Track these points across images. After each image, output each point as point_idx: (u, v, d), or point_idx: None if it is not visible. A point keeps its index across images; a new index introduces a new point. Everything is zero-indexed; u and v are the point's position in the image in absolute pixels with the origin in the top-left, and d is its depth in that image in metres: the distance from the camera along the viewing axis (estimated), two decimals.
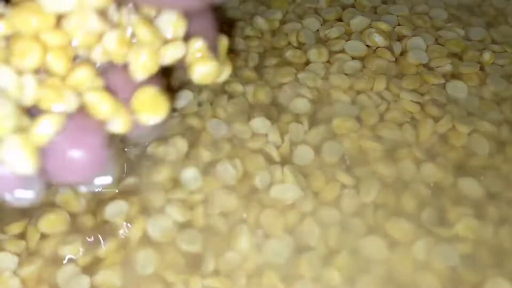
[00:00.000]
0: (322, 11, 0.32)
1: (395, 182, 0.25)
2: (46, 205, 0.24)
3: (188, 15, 0.20)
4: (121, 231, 0.24)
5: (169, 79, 0.27)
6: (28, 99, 0.18)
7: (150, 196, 0.24)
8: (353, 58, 0.30)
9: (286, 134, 0.26)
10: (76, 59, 0.19)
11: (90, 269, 0.23)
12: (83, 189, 0.24)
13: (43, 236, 0.24)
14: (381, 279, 0.23)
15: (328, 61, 0.29)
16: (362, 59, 0.29)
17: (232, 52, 0.29)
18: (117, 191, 0.24)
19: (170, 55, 0.20)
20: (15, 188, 0.18)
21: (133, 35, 0.19)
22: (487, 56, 0.30)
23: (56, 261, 0.23)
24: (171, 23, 0.20)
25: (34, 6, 0.18)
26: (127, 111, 0.20)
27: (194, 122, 0.27)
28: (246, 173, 0.25)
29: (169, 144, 0.26)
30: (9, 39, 0.18)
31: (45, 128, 0.18)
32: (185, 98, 0.27)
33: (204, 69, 0.21)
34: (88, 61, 0.19)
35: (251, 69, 0.29)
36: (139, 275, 0.23)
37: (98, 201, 0.24)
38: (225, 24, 0.30)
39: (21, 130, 0.18)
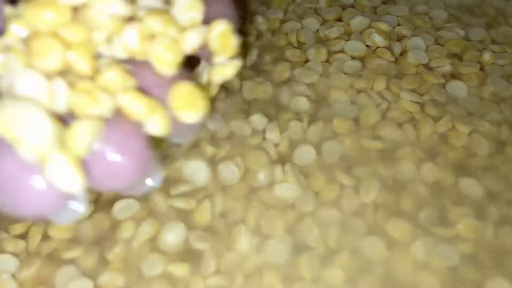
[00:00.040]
0: (322, 11, 0.32)
1: (395, 182, 0.25)
2: None
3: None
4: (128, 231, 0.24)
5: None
6: (61, 106, 0.17)
7: (155, 198, 0.24)
8: (353, 58, 0.30)
9: (285, 133, 0.26)
10: (99, 58, 0.18)
11: (94, 271, 0.23)
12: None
13: (45, 237, 0.24)
14: (381, 279, 0.23)
15: (327, 61, 0.29)
16: (362, 59, 0.30)
17: None
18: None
19: (189, 43, 0.19)
20: (62, 206, 0.17)
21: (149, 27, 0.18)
22: (487, 56, 0.30)
23: (57, 262, 0.23)
24: (187, 8, 0.18)
25: (50, 0, 0.17)
26: (164, 110, 0.18)
27: None
28: (247, 172, 0.25)
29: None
30: (28, 39, 0.17)
31: (84, 137, 0.17)
32: None
33: (231, 53, 0.20)
34: (114, 60, 0.18)
35: (250, 67, 0.29)
36: (145, 276, 0.23)
37: (105, 201, 0.24)
38: None
39: (61, 144, 0.16)
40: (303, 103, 0.28)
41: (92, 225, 0.24)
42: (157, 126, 0.18)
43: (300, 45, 0.30)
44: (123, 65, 0.18)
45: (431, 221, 0.24)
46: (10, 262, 0.23)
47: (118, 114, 0.18)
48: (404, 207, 0.24)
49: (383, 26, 0.31)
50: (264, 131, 0.26)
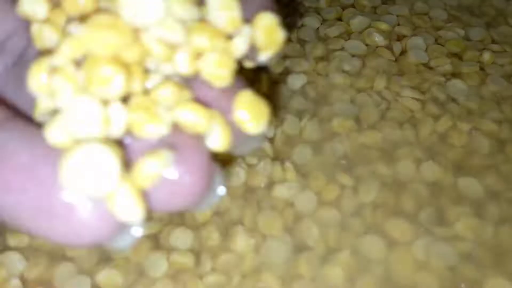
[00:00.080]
0: (322, 11, 0.32)
1: (395, 182, 0.25)
2: None
3: None
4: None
5: None
6: (119, 131, 0.15)
7: None
8: (353, 56, 0.30)
9: (284, 132, 0.26)
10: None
11: (94, 269, 0.23)
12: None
13: None
14: (380, 278, 0.23)
15: (327, 59, 0.29)
16: (362, 58, 0.30)
17: None
18: None
19: (238, 49, 0.17)
20: (118, 233, 0.16)
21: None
22: (487, 56, 0.30)
23: (59, 259, 0.23)
24: (221, 8, 0.17)
25: (110, 20, 0.15)
26: (225, 121, 0.17)
27: None
28: (245, 171, 0.25)
29: None
30: (82, 63, 0.15)
31: (152, 174, 0.15)
32: None
33: (277, 49, 0.18)
34: (166, 77, 0.16)
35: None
36: (145, 274, 0.23)
37: None
38: None
39: (124, 177, 0.15)
40: (303, 103, 0.28)
41: None
42: (218, 139, 0.17)
43: (300, 42, 0.30)
44: (176, 80, 0.16)
45: (430, 220, 0.24)
46: (14, 258, 0.23)
47: (176, 129, 0.16)
48: (404, 207, 0.24)
49: (383, 26, 0.31)
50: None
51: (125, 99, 0.15)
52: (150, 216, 0.15)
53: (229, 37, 0.17)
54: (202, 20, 0.16)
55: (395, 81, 0.28)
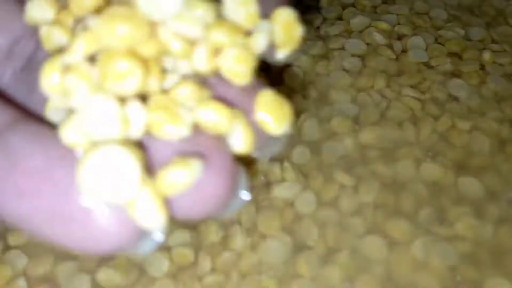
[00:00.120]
0: (323, 10, 0.32)
1: (395, 182, 0.25)
2: None
3: None
4: None
5: None
6: (138, 132, 0.14)
7: None
8: (353, 55, 0.30)
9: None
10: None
11: (94, 267, 0.23)
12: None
13: None
14: (380, 278, 0.23)
15: (327, 58, 0.29)
16: (362, 57, 0.30)
17: None
18: None
19: (258, 46, 0.16)
20: (139, 240, 0.15)
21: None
22: (487, 56, 0.30)
23: (61, 257, 0.24)
24: (238, 3, 0.16)
25: (127, 13, 0.14)
26: (248, 122, 0.16)
27: None
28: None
29: None
30: (96, 59, 0.14)
31: (178, 178, 0.14)
32: None
33: (295, 45, 0.17)
34: (183, 76, 0.16)
35: None
36: (145, 274, 0.23)
37: None
38: None
39: (147, 182, 0.14)
40: (302, 101, 0.28)
41: None
42: (241, 140, 0.16)
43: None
44: (194, 79, 0.16)
45: (430, 220, 0.24)
46: (17, 257, 0.24)
47: (197, 130, 0.15)
48: (404, 207, 0.24)
49: (383, 25, 0.31)
50: None
51: (143, 99, 0.14)
52: (172, 223, 0.15)
53: (248, 33, 0.16)
54: (220, 16, 0.16)
55: (395, 80, 0.28)
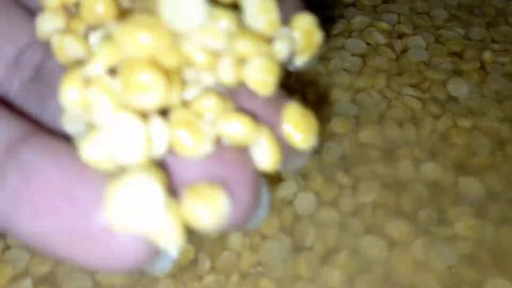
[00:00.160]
0: (323, 9, 0.32)
1: (395, 182, 0.25)
2: None
3: None
4: None
5: None
6: (161, 150, 0.14)
7: None
8: (353, 55, 0.30)
9: None
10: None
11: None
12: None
13: None
14: (380, 279, 0.23)
15: (327, 58, 0.29)
16: (362, 56, 0.29)
17: None
18: None
19: (280, 53, 0.16)
20: (155, 258, 0.14)
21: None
22: (487, 55, 0.29)
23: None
24: (259, 11, 0.15)
25: (150, 21, 0.13)
26: (274, 137, 0.15)
27: None
28: None
29: None
30: (118, 72, 0.14)
31: (202, 212, 0.14)
32: None
33: (314, 51, 0.17)
34: (205, 87, 0.15)
35: None
36: (147, 275, 0.23)
37: None
38: None
39: (168, 204, 0.13)
40: (302, 101, 0.28)
41: None
42: (267, 157, 0.15)
43: None
44: (217, 90, 0.15)
45: (430, 220, 0.24)
46: (19, 256, 0.24)
47: (219, 143, 0.15)
48: (404, 207, 0.24)
49: (384, 25, 0.31)
50: None
51: (164, 112, 0.14)
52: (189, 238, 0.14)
53: (269, 40, 0.15)
54: (242, 24, 0.15)
55: (396, 80, 0.28)
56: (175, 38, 0.14)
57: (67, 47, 0.15)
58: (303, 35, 0.16)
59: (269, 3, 0.15)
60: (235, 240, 0.24)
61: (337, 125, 0.27)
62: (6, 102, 0.16)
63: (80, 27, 0.15)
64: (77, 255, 0.13)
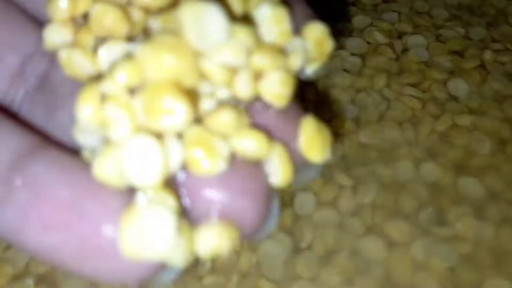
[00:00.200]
0: (323, 9, 0.32)
1: (394, 182, 0.25)
2: None
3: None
4: None
5: None
6: (174, 169, 0.14)
7: None
8: (353, 55, 0.29)
9: None
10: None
11: None
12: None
13: None
14: (379, 279, 0.23)
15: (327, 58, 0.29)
16: (362, 56, 0.29)
17: None
18: None
19: (294, 65, 0.15)
20: (159, 271, 0.14)
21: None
22: (488, 54, 0.29)
23: None
24: (272, 22, 0.15)
25: (174, 43, 0.13)
26: (286, 155, 0.15)
27: None
28: None
29: None
30: (137, 89, 0.13)
31: (214, 247, 0.14)
32: None
33: (325, 60, 0.17)
34: (220, 101, 0.15)
35: None
36: None
37: None
38: None
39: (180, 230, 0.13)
40: (301, 101, 0.28)
41: None
42: (279, 174, 0.15)
43: None
44: (232, 104, 0.15)
45: (430, 221, 0.24)
46: (19, 255, 0.24)
47: (233, 157, 0.15)
48: (403, 207, 0.24)
49: (384, 24, 0.31)
50: None
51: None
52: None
53: (282, 51, 0.15)
54: (257, 38, 0.15)
55: (396, 79, 0.28)
56: (196, 57, 0.14)
57: (75, 62, 0.15)
58: (315, 45, 0.16)
59: (281, 13, 0.15)
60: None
61: (336, 126, 0.27)
62: (11, 113, 0.16)
63: (88, 39, 0.15)
64: (86, 268, 0.13)
